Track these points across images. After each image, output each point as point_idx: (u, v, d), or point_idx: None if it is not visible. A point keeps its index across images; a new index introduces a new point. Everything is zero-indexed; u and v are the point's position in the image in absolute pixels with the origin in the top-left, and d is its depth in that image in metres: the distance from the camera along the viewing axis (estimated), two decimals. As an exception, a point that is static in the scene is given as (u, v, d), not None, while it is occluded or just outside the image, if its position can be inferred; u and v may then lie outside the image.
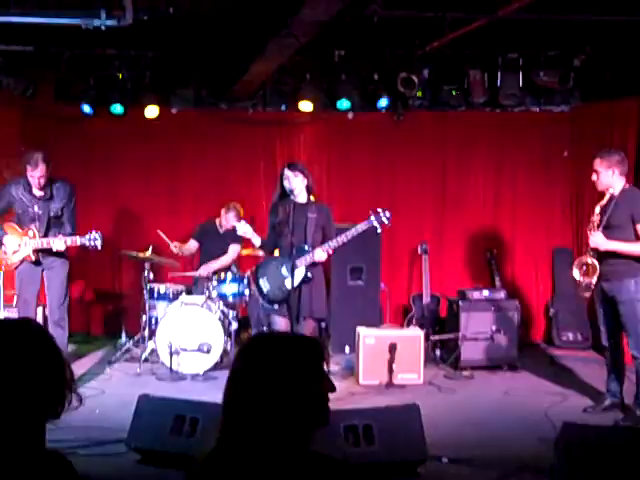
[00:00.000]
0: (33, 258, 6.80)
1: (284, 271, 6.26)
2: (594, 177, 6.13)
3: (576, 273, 6.10)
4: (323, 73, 9.00)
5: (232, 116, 9.44)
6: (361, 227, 6.23)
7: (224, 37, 7.58)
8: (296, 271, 6.08)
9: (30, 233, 6.79)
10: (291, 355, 2.08)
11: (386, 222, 6.27)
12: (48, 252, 6.84)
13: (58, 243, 6.71)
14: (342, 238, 6.18)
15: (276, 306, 6.25)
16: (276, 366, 2.05)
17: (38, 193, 6.88)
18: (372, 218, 6.25)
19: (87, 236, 6.67)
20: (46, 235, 6.85)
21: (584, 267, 6.07)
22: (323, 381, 2.10)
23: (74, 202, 7.04)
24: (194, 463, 2.10)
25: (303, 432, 2.04)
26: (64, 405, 1.98)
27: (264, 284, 6.35)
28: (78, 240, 6.68)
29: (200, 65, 8.77)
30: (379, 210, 6.27)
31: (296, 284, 6.06)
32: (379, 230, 6.34)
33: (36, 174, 6.72)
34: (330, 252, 6.22)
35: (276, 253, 6.49)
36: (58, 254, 6.89)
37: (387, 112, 9.36)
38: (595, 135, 9.09)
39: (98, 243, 6.68)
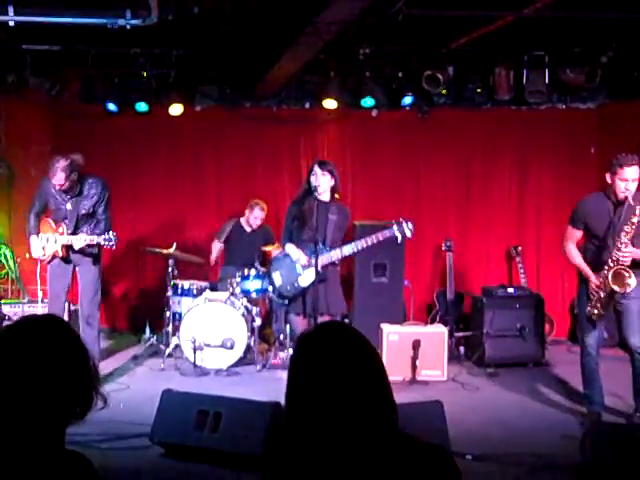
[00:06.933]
0: (61, 254, 6.85)
1: (299, 268, 6.27)
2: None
3: (617, 287, 5.76)
4: (348, 71, 8.99)
5: (256, 114, 9.46)
6: (382, 235, 6.22)
7: (248, 35, 7.60)
8: (309, 270, 6.08)
9: (60, 229, 6.83)
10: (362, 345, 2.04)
11: (408, 234, 6.26)
12: (81, 250, 6.84)
13: (77, 241, 6.72)
14: (361, 243, 6.18)
15: (285, 301, 6.28)
16: (349, 355, 1.98)
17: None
18: (394, 227, 6.23)
19: (103, 236, 6.68)
20: (75, 232, 6.84)
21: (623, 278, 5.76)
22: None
23: (107, 198, 6.95)
24: (272, 460, 2.05)
25: (375, 419, 1.96)
26: (89, 408, 1.96)
27: (276, 278, 6.38)
28: (95, 239, 6.69)
29: (224, 63, 8.79)
30: (402, 220, 6.25)
31: (308, 283, 6.07)
32: (399, 240, 6.32)
33: (55, 181, 6.66)
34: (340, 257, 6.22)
35: (288, 247, 6.44)
36: (91, 253, 6.90)
37: (412, 110, 9.34)
38: (622, 133, 9.01)
39: (112, 244, 6.69)
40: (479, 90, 9.32)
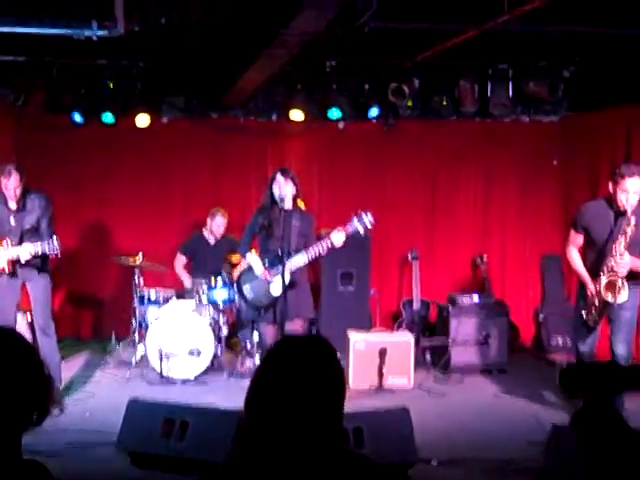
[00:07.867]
0: (7, 270, 6.62)
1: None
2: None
3: (609, 296, 5.84)
4: (314, 83, 9.04)
5: (223, 125, 9.48)
6: (344, 230, 6.20)
7: (215, 47, 7.63)
8: (277, 278, 6.09)
9: (4, 244, 6.60)
10: (322, 358, 2.11)
11: (369, 225, 6.24)
12: (26, 264, 6.62)
13: (23, 252, 6.49)
14: (326, 242, 6.17)
15: (261, 312, 6.28)
16: (306, 370, 2.06)
17: (13, 206, 6.69)
18: (355, 221, 6.22)
19: (46, 243, 6.45)
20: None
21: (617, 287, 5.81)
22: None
23: (51, 213, 6.82)
24: (218, 468, 2.11)
25: (323, 433, 2.04)
26: (46, 414, 1.98)
27: (247, 292, 6.38)
28: (39, 247, 6.46)
29: (191, 74, 8.81)
30: (360, 212, 6.26)
31: (280, 291, 6.06)
32: (362, 233, 6.31)
33: (10, 185, 6.54)
34: (311, 258, 6.23)
35: (249, 257, 6.45)
36: (36, 265, 6.73)
37: (378, 122, 9.42)
38: (584, 144, 9.19)
39: (56, 250, 6.44)
40: (444, 102, 9.42)
